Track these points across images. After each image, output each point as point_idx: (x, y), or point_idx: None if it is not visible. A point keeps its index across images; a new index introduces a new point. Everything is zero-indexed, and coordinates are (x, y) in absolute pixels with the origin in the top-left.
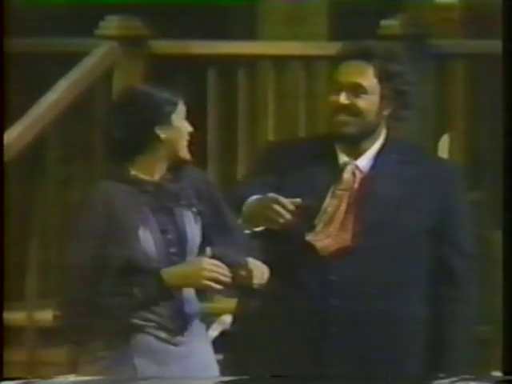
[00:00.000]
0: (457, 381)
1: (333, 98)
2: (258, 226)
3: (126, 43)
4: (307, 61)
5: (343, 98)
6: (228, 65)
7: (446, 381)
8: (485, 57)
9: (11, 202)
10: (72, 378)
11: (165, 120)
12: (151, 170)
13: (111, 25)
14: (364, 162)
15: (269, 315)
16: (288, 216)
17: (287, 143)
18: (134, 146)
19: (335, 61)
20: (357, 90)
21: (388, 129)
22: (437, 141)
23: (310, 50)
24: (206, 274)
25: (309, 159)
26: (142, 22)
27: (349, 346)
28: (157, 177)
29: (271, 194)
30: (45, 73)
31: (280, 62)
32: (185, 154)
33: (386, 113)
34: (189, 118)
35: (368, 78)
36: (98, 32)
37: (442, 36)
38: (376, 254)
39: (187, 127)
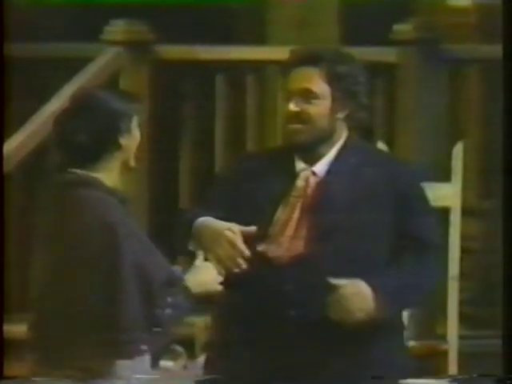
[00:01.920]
0: (456, 381)
1: (284, 107)
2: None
3: (132, 48)
4: None
5: (293, 106)
6: (236, 70)
7: (446, 380)
8: (499, 62)
9: (13, 212)
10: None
11: (126, 127)
12: (112, 179)
13: (117, 29)
14: (320, 167)
15: (226, 327)
16: (242, 262)
17: (245, 157)
18: (95, 151)
19: (284, 69)
20: (306, 95)
21: (349, 132)
22: (451, 148)
23: None
24: (218, 278)
25: (267, 170)
26: (149, 27)
27: (309, 355)
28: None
29: (227, 232)
30: (49, 79)
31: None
32: (133, 162)
33: (340, 116)
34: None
35: (316, 82)
36: (103, 37)
37: (455, 41)
38: (332, 258)
39: (138, 136)
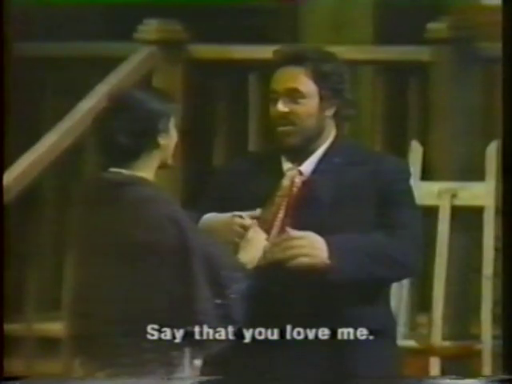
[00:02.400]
0: (457, 381)
1: (272, 108)
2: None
3: (166, 47)
4: (352, 66)
5: (281, 106)
6: (269, 70)
7: (447, 381)
8: None
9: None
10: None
11: (165, 127)
12: (151, 178)
13: (150, 29)
14: (307, 166)
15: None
16: None
17: (234, 160)
18: (135, 151)
19: (268, 70)
20: (294, 95)
21: (338, 130)
22: (485, 147)
23: (355, 55)
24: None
25: (254, 172)
26: (182, 26)
27: (298, 355)
28: None
29: (237, 219)
30: (82, 78)
31: None
32: (171, 161)
33: (328, 113)
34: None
35: (303, 81)
36: (136, 36)
37: (489, 39)
38: None
39: (176, 135)
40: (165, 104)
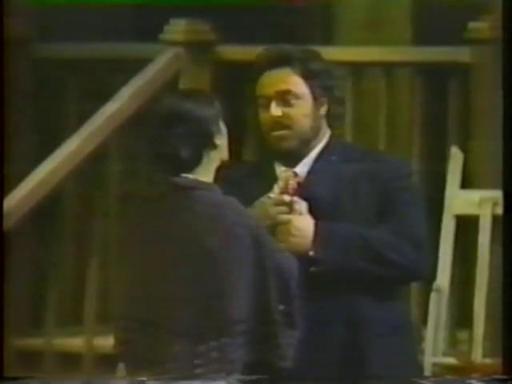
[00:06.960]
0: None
1: (264, 114)
2: None
3: (193, 48)
4: (388, 67)
5: (275, 110)
6: (253, 74)
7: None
8: None
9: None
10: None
11: (217, 127)
12: (210, 179)
13: (177, 29)
14: (302, 167)
15: None
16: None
17: (228, 171)
18: (196, 159)
19: (254, 74)
20: (287, 97)
21: (332, 130)
22: None
23: (392, 56)
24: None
25: (247, 177)
26: (210, 27)
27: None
28: None
29: (267, 200)
30: (107, 80)
31: (359, 68)
32: (226, 156)
33: (323, 112)
34: None
35: (294, 82)
36: (162, 37)
37: None
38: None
39: (225, 130)
40: (211, 105)
